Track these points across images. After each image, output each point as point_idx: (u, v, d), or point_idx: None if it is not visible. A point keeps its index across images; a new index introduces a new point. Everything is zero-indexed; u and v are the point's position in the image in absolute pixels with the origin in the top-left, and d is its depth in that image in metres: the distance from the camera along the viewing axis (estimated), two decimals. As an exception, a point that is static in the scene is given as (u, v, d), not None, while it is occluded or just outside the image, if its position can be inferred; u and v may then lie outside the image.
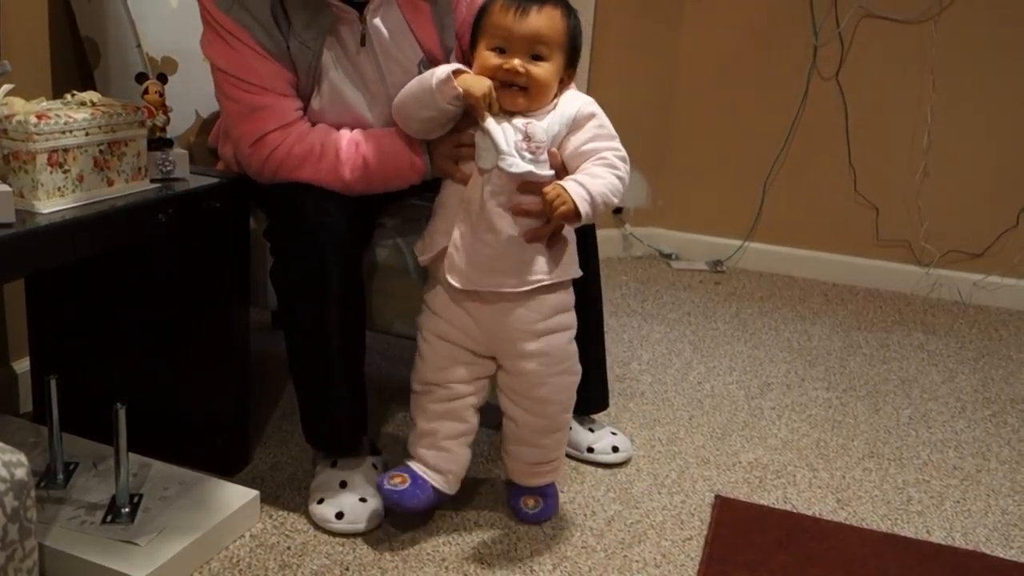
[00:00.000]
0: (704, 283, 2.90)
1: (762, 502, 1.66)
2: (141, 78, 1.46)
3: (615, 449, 1.74)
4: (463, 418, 1.48)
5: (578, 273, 1.45)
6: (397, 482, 1.42)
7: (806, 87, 2.89)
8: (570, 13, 1.40)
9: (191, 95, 1.70)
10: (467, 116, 1.39)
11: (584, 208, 1.31)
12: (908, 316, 2.71)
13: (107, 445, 1.47)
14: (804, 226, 3.00)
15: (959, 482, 1.77)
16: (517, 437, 1.49)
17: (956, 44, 2.74)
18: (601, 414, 1.83)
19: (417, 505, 1.43)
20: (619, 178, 1.36)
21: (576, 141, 1.38)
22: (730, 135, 3.02)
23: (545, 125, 1.37)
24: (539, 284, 1.39)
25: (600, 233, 1.66)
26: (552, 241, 1.39)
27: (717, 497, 1.65)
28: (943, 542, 1.57)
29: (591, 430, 1.76)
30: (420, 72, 1.49)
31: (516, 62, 1.34)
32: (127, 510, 1.39)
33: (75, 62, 1.76)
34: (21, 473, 0.78)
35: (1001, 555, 1.54)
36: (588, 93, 1.45)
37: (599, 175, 1.34)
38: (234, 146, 1.49)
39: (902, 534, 1.59)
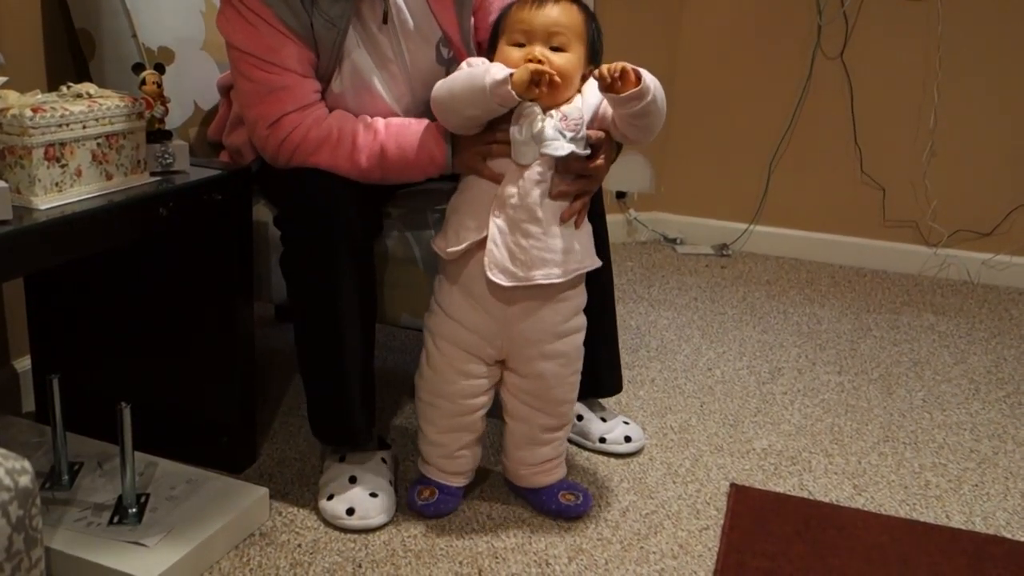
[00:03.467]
0: (710, 267, 2.87)
1: (778, 489, 1.63)
2: (138, 69, 1.42)
3: (627, 439, 1.71)
4: (473, 428, 1.48)
5: (599, 262, 1.45)
6: (427, 495, 1.48)
7: (810, 67, 2.85)
8: (586, 12, 1.40)
9: (189, 86, 1.66)
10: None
11: (649, 81, 1.31)
12: (917, 297, 2.68)
13: (112, 444, 1.44)
14: (810, 208, 2.97)
15: (976, 465, 1.75)
16: (528, 438, 1.48)
17: (962, 21, 2.70)
18: (612, 403, 1.81)
19: (452, 508, 1.50)
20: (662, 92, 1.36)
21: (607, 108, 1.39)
22: (734, 117, 2.98)
23: (578, 105, 1.37)
24: (579, 272, 1.40)
25: (605, 218, 1.63)
26: (581, 223, 1.40)
27: (732, 485, 1.63)
28: (963, 527, 1.55)
29: (603, 419, 1.73)
30: (439, 52, 1.48)
31: (537, 51, 1.33)
32: (134, 510, 1.37)
33: (69, 53, 1.72)
34: (25, 480, 0.75)
35: (1022, 539, 1.52)
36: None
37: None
38: (250, 129, 1.45)
39: (921, 519, 1.56)
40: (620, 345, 1.79)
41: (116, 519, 1.35)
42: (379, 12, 1.42)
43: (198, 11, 1.72)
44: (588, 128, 1.37)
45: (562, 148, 1.33)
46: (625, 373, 2.02)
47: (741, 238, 3.04)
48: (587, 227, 1.42)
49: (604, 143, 1.39)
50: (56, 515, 1.36)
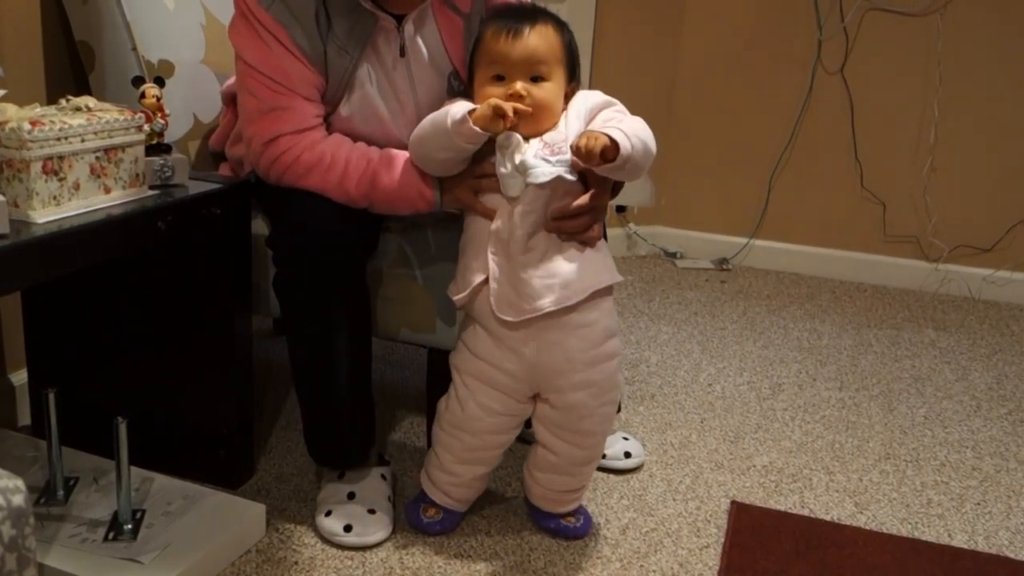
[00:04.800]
0: (710, 282, 2.86)
1: (778, 507, 1.62)
2: (137, 82, 1.42)
3: (627, 455, 1.70)
4: (491, 462, 1.46)
5: (620, 278, 1.38)
6: (432, 514, 1.49)
7: (811, 82, 2.86)
8: (562, 27, 1.35)
9: (189, 99, 1.66)
10: (483, 149, 1.33)
11: (621, 139, 1.23)
12: (918, 313, 2.67)
13: (108, 458, 1.43)
14: (810, 223, 2.97)
15: (978, 483, 1.74)
16: (554, 467, 1.44)
17: (963, 37, 2.70)
18: (612, 419, 1.80)
19: (455, 527, 1.51)
20: (645, 128, 1.30)
21: (597, 121, 1.33)
22: (734, 131, 2.98)
23: (561, 129, 1.33)
24: (592, 289, 1.32)
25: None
26: (591, 241, 1.34)
27: (733, 503, 1.62)
28: (965, 546, 1.54)
29: (602, 435, 1.72)
30: (451, 84, 1.47)
31: (518, 86, 1.29)
32: (130, 527, 1.35)
33: (70, 67, 1.72)
34: (19, 500, 0.74)
35: (1025, 559, 1.51)
36: (590, 88, 1.41)
37: (624, 121, 1.30)
38: (246, 144, 1.45)
39: (923, 538, 1.55)
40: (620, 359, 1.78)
41: (111, 535, 1.34)
42: (395, 46, 1.42)
43: (199, 24, 1.71)
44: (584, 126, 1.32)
45: (545, 173, 1.28)
46: (625, 388, 2.01)
47: (741, 252, 3.04)
48: (601, 242, 1.37)
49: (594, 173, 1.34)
50: (51, 531, 1.34)
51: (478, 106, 1.28)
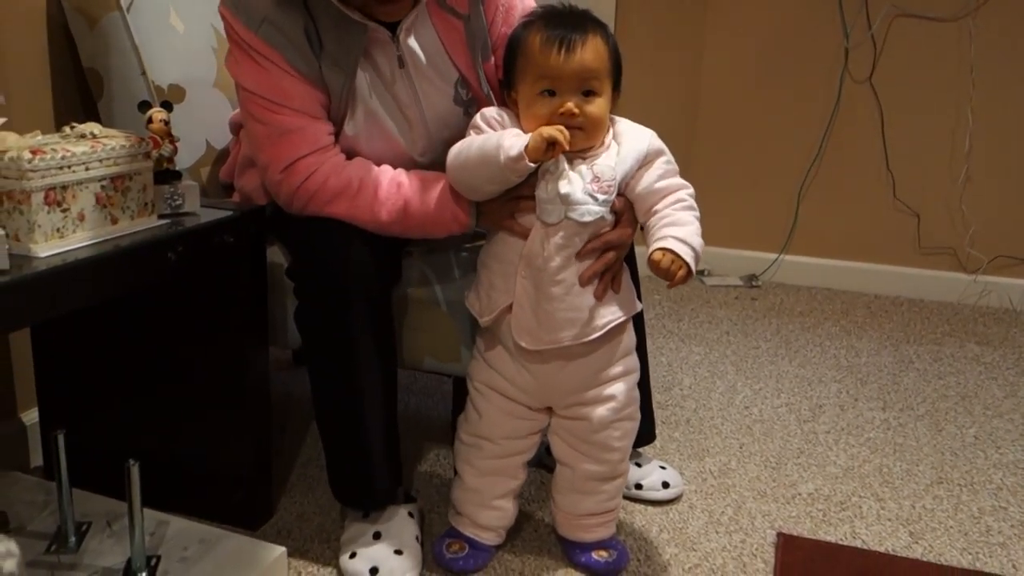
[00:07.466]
0: (740, 299, 2.78)
1: (828, 538, 1.53)
2: (144, 107, 1.37)
3: (665, 485, 1.62)
4: (514, 475, 1.40)
5: (639, 307, 1.37)
6: (456, 550, 1.41)
7: (838, 91, 2.78)
8: (609, 35, 1.29)
9: (200, 124, 1.60)
10: None
11: (694, 266, 1.24)
12: (958, 326, 2.57)
13: (121, 501, 1.36)
14: (842, 236, 2.88)
15: (1040, 508, 1.64)
16: (573, 486, 1.39)
17: (996, 41, 2.62)
18: (647, 446, 1.71)
19: (483, 565, 1.42)
20: (698, 219, 1.29)
21: (648, 178, 1.29)
22: (760, 143, 2.90)
23: (612, 163, 1.28)
24: (611, 326, 1.30)
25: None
26: (615, 281, 1.32)
27: (780, 535, 1.52)
28: (1032, 577, 1.44)
29: (638, 464, 1.64)
30: (457, 92, 1.40)
31: (570, 105, 1.24)
32: (144, 575, 1.28)
33: (77, 93, 1.67)
34: (11, 565, 0.68)
35: (1097, 590, 1.41)
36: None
37: (687, 222, 1.27)
38: (262, 172, 1.38)
39: (986, 570, 1.45)
40: (652, 383, 1.70)
41: (124, 585, 1.27)
42: (393, 58, 1.36)
43: (210, 48, 1.66)
44: (633, 174, 1.29)
45: (589, 214, 1.25)
46: (658, 413, 1.93)
47: (771, 268, 2.95)
48: (625, 273, 1.35)
49: (627, 209, 1.31)
50: (61, 581, 1.28)
51: (530, 137, 1.21)
